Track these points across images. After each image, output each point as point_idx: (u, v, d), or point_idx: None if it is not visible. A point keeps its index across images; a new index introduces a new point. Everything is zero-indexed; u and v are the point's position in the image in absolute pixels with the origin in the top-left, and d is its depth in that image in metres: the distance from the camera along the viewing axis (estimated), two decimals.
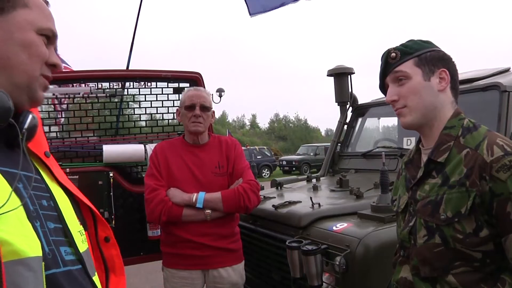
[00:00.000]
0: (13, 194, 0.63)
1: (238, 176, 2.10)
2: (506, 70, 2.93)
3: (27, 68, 0.73)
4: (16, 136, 0.70)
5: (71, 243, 0.74)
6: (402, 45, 1.18)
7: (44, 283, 0.62)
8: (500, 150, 1.00)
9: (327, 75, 3.68)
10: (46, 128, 2.51)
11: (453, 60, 1.17)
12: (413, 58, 1.14)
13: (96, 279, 0.79)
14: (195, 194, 2.00)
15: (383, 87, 1.22)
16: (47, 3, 0.80)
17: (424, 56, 1.14)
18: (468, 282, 1.02)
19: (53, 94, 2.48)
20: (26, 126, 0.72)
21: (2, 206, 0.59)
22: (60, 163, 2.40)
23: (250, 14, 4.08)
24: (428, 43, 1.18)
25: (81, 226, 0.81)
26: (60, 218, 0.74)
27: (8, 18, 0.72)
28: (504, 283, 1.01)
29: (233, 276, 2.09)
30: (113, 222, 2.40)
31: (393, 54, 1.15)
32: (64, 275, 0.68)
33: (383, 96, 3.90)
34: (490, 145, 1.02)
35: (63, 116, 2.73)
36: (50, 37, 0.78)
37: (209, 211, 2.00)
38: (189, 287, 2.07)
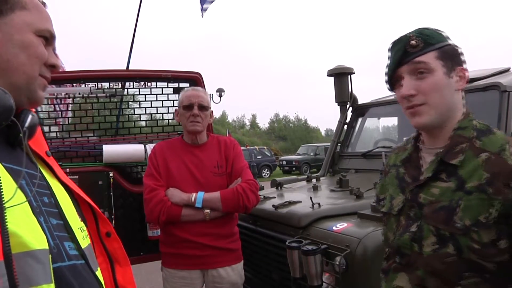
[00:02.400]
0: (18, 190, 0.64)
1: (237, 175, 2.10)
2: (506, 70, 2.93)
3: (26, 69, 0.74)
4: (17, 134, 0.71)
5: (73, 238, 0.75)
6: (421, 32, 1.04)
7: (52, 275, 0.63)
8: None
9: (327, 75, 3.68)
10: (46, 128, 2.51)
11: (464, 57, 1.09)
12: (436, 50, 1.02)
13: (99, 273, 0.81)
14: (194, 194, 2.01)
15: (392, 79, 1.08)
16: (44, 4, 0.80)
17: (445, 49, 1.03)
18: None
19: (53, 94, 2.48)
20: (27, 124, 0.73)
21: (9, 199, 0.60)
22: (60, 163, 2.41)
23: (202, 14, 4.00)
24: (445, 35, 1.06)
25: (82, 222, 0.82)
26: (61, 215, 0.75)
27: (7, 20, 0.73)
28: None
29: (232, 275, 2.09)
30: (113, 222, 2.41)
31: (415, 42, 1.02)
32: (70, 269, 0.70)
33: (383, 96, 3.88)
34: None
35: (68, 115, 2.74)
36: (48, 38, 0.79)
37: (208, 210, 2.00)
38: (189, 287, 2.07)
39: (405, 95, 1.03)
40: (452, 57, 1.03)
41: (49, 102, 2.59)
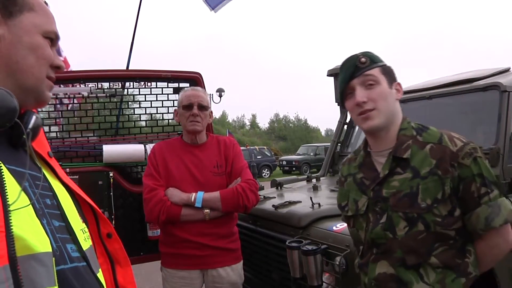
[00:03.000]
0: (22, 192, 0.64)
1: (237, 175, 2.09)
2: (506, 70, 2.92)
3: (34, 70, 0.74)
4: (20, 136, 0.71)
5: (75, 240, 0.75)
6: (367, 53, 1.26)
7: (56, 278, 0.63)
8: (460, 141, 1.18)
9: (327, 75, 3.67)
10: (46, 128, 2.51)
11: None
12: (379, 66, 1.24)
13: (100, 275, 0.81)
14: (194, 194, 2.00)
15: (345, 91, 1.27)
16: (46, 4, 0.81)
17: (384, 67, 1.26)
18: (446, 259, 1.16)
19: (53, 94, 2.48)
20: (30, 126, 0.73)
21: (14, 202, 0.60)
22: (60, 163, 2.40)
23: (213, 9, 3.94)
24: (382, 58, 1.28)
25: (84, 224, 0.83)
26: (63, 217, 0.75)
27: (16, 22, 0.73)
28: (470, 253, 1.19)
29: (232, 275, 2.09)
30: (113, 222, 2.40)
31: (364, 59, 1.23)
32: (72, 271, 0.70)
33: None
34: (451, 139, 1.19)
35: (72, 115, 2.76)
36: (53, 39, 0.79)
37: (207, 210, 2.00)
38: (188, 287, 2.07)
39: (359, 102, 1.22)
40: (390, 73, 1.26)
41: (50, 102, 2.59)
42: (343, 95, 1.29)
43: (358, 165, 1.34)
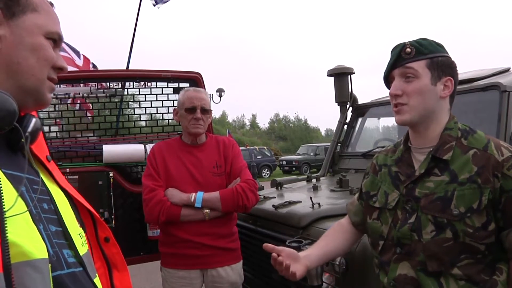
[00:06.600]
0: (19, 198, 0.63)
1: (236, 175, 2.09)
2: (506, 70, 2.92)
3: (35, 72, 0.74)
4: (19, 139, 0.70)
5: (72, 246, 0.74)
6: (417, 42, 1.19)
7: (51, 284, 0.63)
8: (508, 151, 1.11)
9: (327, 75, 3.68)
10: (46, 128, 2.51)
11: (457, 69, 1.21)
12: (426, 59, 1.16)
13: (97, 281, 0.80)
14: (194, 194, 2.00)
15: (388, 79, 1.24)
16: (52, 4, 0.80)
17: (436, 60, 1.17)
18: (471, 273, 1.09)
19: (53, 94, 2.48)
20: (29, 130, 0.72)
21: (10, 209, 0.59)
22: (60, 163, 2.41)
23: (157, 4, 3.91)
24: (441, 47, 1.20)
25: (81, 228, 0.82)
26: (60, 222, 0.75)
27: (19, 22, 0.73)
28: (501, 271, 1.11)
29: (232, 275, 2.09)
30: (113, 222, 2.40)
31: (408, 50, 1.17)
32: (69, 276, 0.69)
33: (383, 96, 3.89)
34: (498, 147, 1.12)
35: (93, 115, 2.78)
36: (56, 40, 0.79)
37: (207, 210, 2.00)
38: (188, 287, 2.07)
39: (392, 94, 1.19)
40: (441, 67, 1.17)
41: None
42: (387, 80, 1.25)
43: (395, 159, 1.28)
